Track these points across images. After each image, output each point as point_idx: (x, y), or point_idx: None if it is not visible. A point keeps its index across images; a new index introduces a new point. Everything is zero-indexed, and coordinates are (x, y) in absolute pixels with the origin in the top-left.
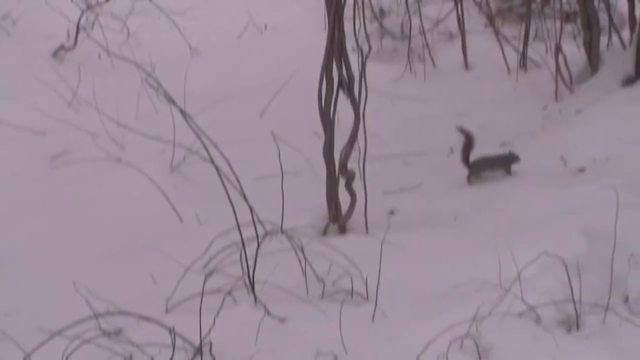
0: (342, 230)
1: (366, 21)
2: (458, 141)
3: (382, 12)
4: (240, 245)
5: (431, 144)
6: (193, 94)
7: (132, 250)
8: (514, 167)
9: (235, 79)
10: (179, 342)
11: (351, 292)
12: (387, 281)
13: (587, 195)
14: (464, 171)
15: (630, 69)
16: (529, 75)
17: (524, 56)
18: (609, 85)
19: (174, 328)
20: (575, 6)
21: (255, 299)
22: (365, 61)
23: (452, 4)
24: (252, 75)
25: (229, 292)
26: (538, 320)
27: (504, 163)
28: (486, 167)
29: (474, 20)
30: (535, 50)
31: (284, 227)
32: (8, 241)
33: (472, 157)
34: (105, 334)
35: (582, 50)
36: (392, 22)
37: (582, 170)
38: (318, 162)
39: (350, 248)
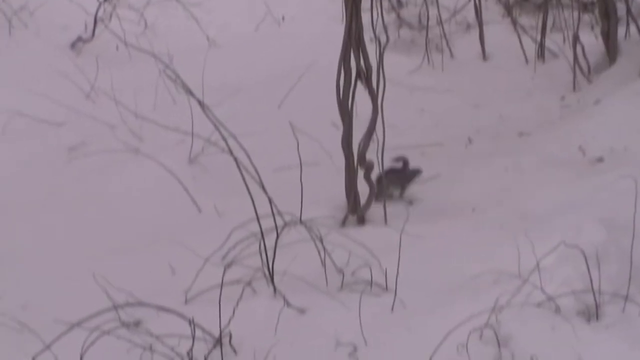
0: (361, 221)
1: (384, 12)
2: (477, 132)
3: (400, 2)
4: (259, 236)
5: (449, 135)
6: (211, 85)
7: (150, 241)
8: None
9: (253, 70)
10: (198, 333)
11: (370, 283)
12: (406, 272)
13: (606, 185)
14: (482, 161)
15: None
16: (546, 65)
17: (541, 46)
18: (627, 75)
19: (193, 319)
20: None
21: (275, 289)
22: (383, 52)
23: None
24: (269, 66)
25: (249, 283)
26: (557, 310)
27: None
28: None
29: (492, 10)
30: (553, 41)
31: (303, 218)
32: (26, 233)
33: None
34: (125, 325)
35: (600, 40)
36: (410, 12)
37: (600, 160)
38: (336, 153)
39: (369, 239)
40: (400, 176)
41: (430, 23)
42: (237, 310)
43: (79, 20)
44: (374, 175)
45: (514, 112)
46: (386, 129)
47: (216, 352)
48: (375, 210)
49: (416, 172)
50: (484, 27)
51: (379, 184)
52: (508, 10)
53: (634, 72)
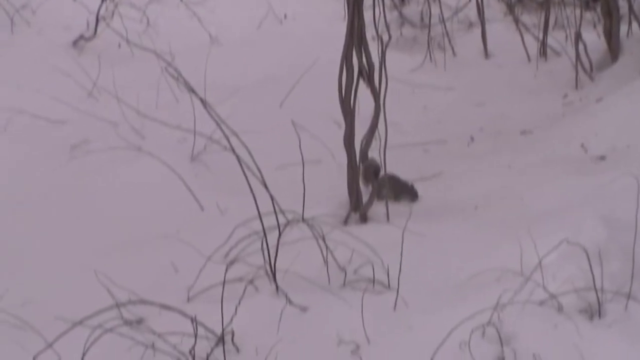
0: (364, 219)
1: (386, 10)
2: (479, 130)
3: (402, 0)
4: (262, 235)
5: (451, 133)
6: (213, 84)
7: (153, 239)
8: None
9: (255, 69)
10: (200, 331)
11: (372, 281)
12: (408, 270)
13: (608, 183)
14: (484, 159)
15: None
16: (549, 63)
17: (544, 44)
18: (629, 73)
19: (195, 317)
20: None
21: (277, 287)
22: (385, 50)
23: None
24: (272, 64)
25: (251, 281)
26: (560, 309)
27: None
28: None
29: (494, 8)
30: (555, 39)
31: (305, 216)
32: (28, 231)
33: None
34: (127, 323)
35: (602, 38)
36: (412, 10)
37: (602, 158)
38: (339, 151)
39: (372, 237)
40: (397, 185)
41: (432, 21)
42: (239, 308)
43: (81, 18)
44: (369, 175)
45: (516, 110)
46: (388, 127)
47: (218, 350)
48: (378, 208)
49: (413, 194)
50: (486, 25)
51: (376, 182)
52: (510, 8)
53: (636, 70)
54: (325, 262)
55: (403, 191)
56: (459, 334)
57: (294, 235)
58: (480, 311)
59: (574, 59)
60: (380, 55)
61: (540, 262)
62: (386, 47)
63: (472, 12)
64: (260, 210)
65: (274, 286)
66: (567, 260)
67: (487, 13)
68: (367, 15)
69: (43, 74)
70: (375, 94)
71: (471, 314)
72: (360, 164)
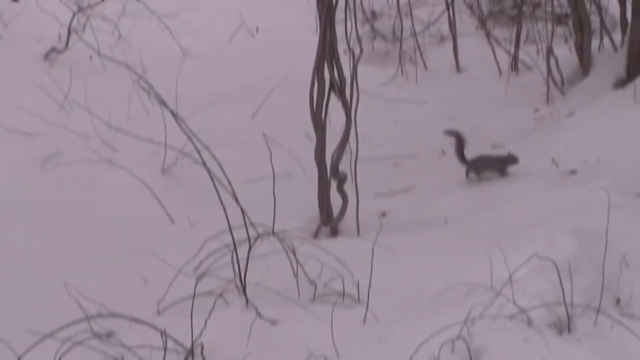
0: (334, 232)
1: (358, 23)
2: (450, 144)
3: (374, 14)
4: (232, 248)
5: (423, 147)
6: (185, 96)
7: (123, 252)
8: (512, 169)
9: (227, 81)
10: (170, 344)
11: (342, 295)
12: (378, 283)
13: (579, 197)
14: (455, 173)
15: (621, 71)
16: (520, 77)
17: (515, 58)
18: (600, 87)
19: (165, 330)
20: (566, 8)
21: (247, 301)
22: (357, 63)
23: (444, 6)
24: (243, 77)
25: (221, 295)
26: (529, 323)
27: (502, 164)
28: (484, 166)
29: (466, 22)
30: (527, 53)
31: (275, 230)
32: None
33: (470, 155)
34: (97, 336)
35: (574, 53)
36: (384, 24)
37: (573, 172)
38: (310, 164)
39: (342, 250)
40: (497, 160)
41: (404, 35)
42: (209, 321)
43: (53, 31)
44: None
45: (487, 124)
46: (359, 141)
47: None
48: (348, 221)
49: (514, 159)
50: (458, 39)
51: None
52: (482, 22)
53: (607, 84)
54: (296, 275)
55: (504, 164)
56: (429, 347)
57: (265, 249)
58: (450, 325)
59: (545, 73)
60: (351, 68)
61: (510, 277)
62: (358, 60)
63: (444, 26)
64: (230, 223)
65: (243, 299)
66: (537, 275)
67: (459, 27)
68: (339, 28)
69: (15, 87)
70: (347, 108)
71: (441, 328)
72: (331, 178)
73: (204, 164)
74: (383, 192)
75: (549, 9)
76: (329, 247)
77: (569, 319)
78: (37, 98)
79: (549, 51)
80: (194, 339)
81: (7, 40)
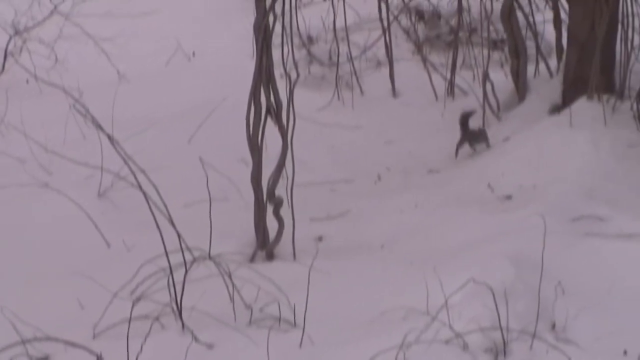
0: (270, 256)
1: (294, 48)
2: (386, 169)
3: (310, 39)
4: (168, 272)
5: (359, 171)
6: (121, 120)
7: (59, 276)
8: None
9: (163, 105)
10: None
11: (279, 319)
12: (314, 308)
13: (514, 222)
14: (391, 198)
15: (557, 96)
16: (456, 102)
17: (451, 84)
18: (536, 113)
19: (101, 354)
20: (502, 34)
21: (183, 325)
22: (293, 88)
23: (380, 31)
24: (180, 101)
25: (157, 318)
26: (465, 347)
27: (486, 139)
28: (475, 139)
29: (402, 47)
30: (463, 78)
31: (211, 254)
32: None
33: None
34: (32, 359)
35: (510, 78)
36: (320, 49)
37: (509, 197)
38: (246, 188)
39: (278, 274)
40: (482, 133)
41: (340, 60)
42: (145, 345)
43: None
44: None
45: (423, 149)
46: (296, 165)
47: None
48: (284, 246)
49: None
50: (395, 64)
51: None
52: (418, 47)
53: (542, 110)
54: (232, 299)
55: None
56: None
57: (201, 273)
58: (386, 350)
59: (481, 99)
60: (288, 93)
61: (446, 301)
62: (294, 85)
63: (380, 51)
64: (167, 247)
65: (180, 323)
66: (473, 299)
67: (396, 52)
68: (276, 53)
69: None
70: (283, 132)
71: (377, 352)
72: (268, 202)
73: (140, 188)
74: (319, 216)
75: (485, 34)
76: (265, 272)
77: (505, 344)
78: None
79: (485, 76)
80: None
81: None
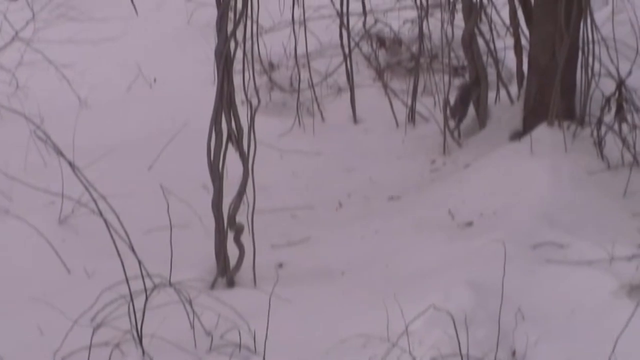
0: (231, 283)
1: (255, 74)
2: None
3: (272, 65)
4: (129, 299)
5: (320, 198)
6: (82, 147)
7: (18, 302)
8: None
9: (124, 132)
10: None
11: (239, 346)
12: (275, 335)
13: (475, 248)
14: (352, 225)
15: (517, 123)
16: (417, 129)
17: (412, 110)
18: (496, 139)
19: None
20: (463, 61)
21: (143, 352)
22: (254, 114)
23: (341, 57)
24: (141, 128)
25: (117, 345)
26: None
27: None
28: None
29: (363, 74)
30: (424, 104)
31: (172, 281)
32: None
33: None
34: None
35: (471, 105)
36: (282, 75)
37: (469, 224)
38: (207, 215)
39: (239, 301)
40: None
41: (301, 86)
42: None
43: None
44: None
45: (384, 175)
46: (257, 192)
47: None
48: (245, 272)
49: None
50: (355, 91)
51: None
52: (379, 74)
53: (503, 136)
54: (192, 326)
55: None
56: None
57: (161, 300)
58: None
59: (442, 125)
60: (249, 119)
61: (406, 328)
62: (255, 111)
63: (341, 77)
64: (127, 274)
65: (140, 350)
66: (433, 326)
67: (357, 79)
68: (237, 79)
69: None
70: (244, 159)
71: None
72: (228, 229)
73: (101, 214)
74: (280, 243)
75: (445, 61)
76: (225, 298)
77: None
78: None
79: (446, 103)
80: None
81: None
